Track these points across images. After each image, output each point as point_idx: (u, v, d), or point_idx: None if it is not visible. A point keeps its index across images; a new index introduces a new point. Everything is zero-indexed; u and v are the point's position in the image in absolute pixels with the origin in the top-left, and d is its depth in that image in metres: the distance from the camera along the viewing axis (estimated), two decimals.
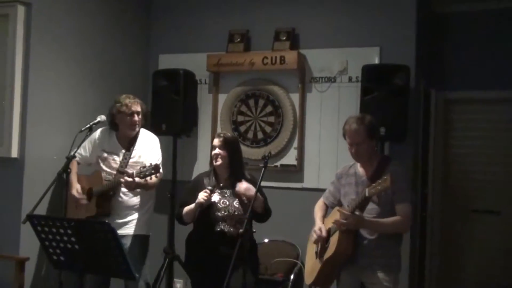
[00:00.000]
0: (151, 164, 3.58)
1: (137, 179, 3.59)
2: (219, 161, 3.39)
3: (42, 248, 2.83)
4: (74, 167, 3.90)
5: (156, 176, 3.66)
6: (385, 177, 2.88)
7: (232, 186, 3.40)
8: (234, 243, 3.07)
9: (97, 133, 3.96)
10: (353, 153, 3.22)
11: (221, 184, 3.44)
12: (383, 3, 4.48)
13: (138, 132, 3.91)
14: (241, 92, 4.86)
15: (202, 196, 3.29)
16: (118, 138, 3.88)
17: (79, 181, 3.86)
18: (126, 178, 3.60)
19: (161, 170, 3.85)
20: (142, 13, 5.19)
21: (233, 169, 3.43)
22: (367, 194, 2.99)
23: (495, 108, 4.89)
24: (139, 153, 3.84)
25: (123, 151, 3.84)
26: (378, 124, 3.30)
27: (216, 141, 3.43)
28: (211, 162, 3.52)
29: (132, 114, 3.78)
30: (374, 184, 2.95)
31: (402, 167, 3.27)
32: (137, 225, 3.81)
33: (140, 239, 3.83)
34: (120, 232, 3.60)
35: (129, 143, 3.86)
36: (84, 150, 3.93)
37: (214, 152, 3.41)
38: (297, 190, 4.64)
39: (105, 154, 3.87)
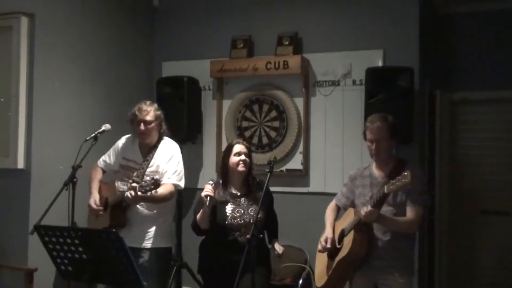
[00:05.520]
0: (152, 178, 3.46)
1: (139, 193, 3.45)
2: (245, 168, 3.35)
3: (50, 259, 2.83)
4: (98, 174, 3.84)
5: (156, 192, 3.47)
6: (405, 173, 2.84)
7: (246, 193, 3.36)
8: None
9: (121, 140, 3.88)
10: (373, 149, 3.18)
11: (236, 192, 3.38)
12: (385, 5, 4.47)
13: (159, 141, 3.78)
14: (245, 97, 4.86)
15: (205, 190, 3.20)
16: (139, 146, 3.77)
17: (100, 189, 3.77)
18: (128, 192, 3.46)
19: (179, 182, 3.72)
20: (145, 21, 5.21)
21: (249, 176, 3.40)
22: (386, 191, 2.95)
23: (501, 108, 4.87)
24: (157, 163, 3.69)
25: (142, 159, 3.72)
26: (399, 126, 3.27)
27: (243, 148, 3.37)
28: (222, 171, 3.44)
29: (139, 122, 3.66)
30: (393, 181, 2.91)
31: (419, 169, 3.25)
32: (155, 238, 3.66)
33: (159, 252, 3.67)
34: (138, 245, 3.54)
35: (149, 152, 3.73)
36: (108, 158, 3.86)
37: (241, 158, 3.34)
38: (304, 195, 4.64)
39: (125, 162, 3.77)
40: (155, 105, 3.76)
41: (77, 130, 4.22)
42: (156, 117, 3.71)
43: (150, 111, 3.69)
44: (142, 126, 3.66)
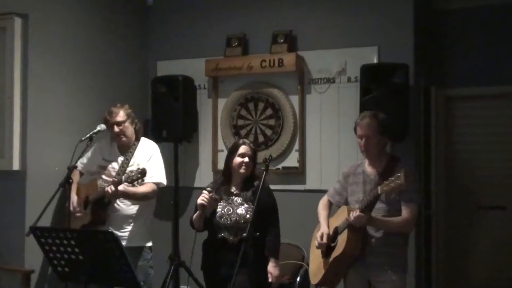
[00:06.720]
0: (138, 168, 3.55)
1: (122, 187, 3.52)
2: (246, 171, 3.34)
3: (46, 260, 2.83)
4: (75, 176, 3.89)
5: (143, 180, 3.58)
6: (398, 174, 2.85)
7: (242, 192, 3.35)
8: (236, 251, 3.06)
9: (99, 142, 3.97)
10: (362, 145, 3.20)
11: (233, 191, 3.38)
12: (380, 2, 4.47)
13: (138, 141, 3.89)
14: (240, 96, 4.86)
15: (201, 197, 3.23)
16: (118, 147, 3.88)
17: (78, 191, 3.85)
18: (109, 187, 3.51)
19: (161, 180, 3.82)
20: (139, 20, 5.19)
21: (250, 176, 3.38)
22: (379, 192, 2.97)
23: (496, 104, 4.86)
24: (137, 161, 3.80)
25: (122, 158, 3.83)
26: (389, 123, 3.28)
27: (248, 150, 3.35)
28: (224, 169, 3.43)
29: (112, 125, 3.79)
30: (386, 182, 2.92)
31: (411, 167, 3.25)
32: (132, 237, 3.74)
33: (136, 251, 3.73)
34: None
35: (128, 151, 3.85)
36: (86, 159, 3.95)
37: (244, 160, 3.32)
38: (300, 192, 4.64)
39: (105, 163, 3.87)
40: (125, 106, 3.88)
41: (72, 130, 4.21)
42: (127, 116, 3.84)
43: (119, 112, 3.82)
44: (116, 128, 3.80)
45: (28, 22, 4.00)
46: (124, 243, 3.68)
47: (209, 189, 3.29)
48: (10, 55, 3.97)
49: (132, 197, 3.68)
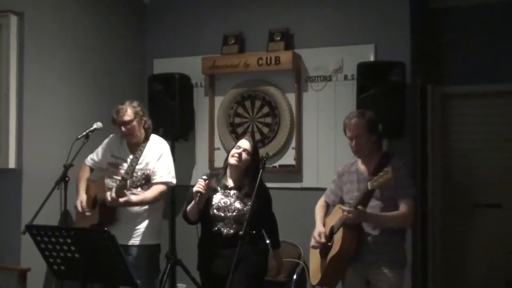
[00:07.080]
0: (143, 173, 3.50)
1: (124, 199, 3.47)
2: (239, 163, 3.32)
3: (42, 258, 2.82)
4: (85, 173, 3.86)
5: (147, 185, 3.53)
6: (386, 169, 2.87)
7: (239, 188, 3.34)
8: (230, 244, 3.07)
9: (109, 138, 3.90)
10: (352, 146, 3.21)
11: (228, 185, 3.37)
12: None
13: (146, 138, 3.80)
14: (237, 94, 4.86)
15: (197, 185, 3.21)
16: (128, 144, 3.79)
17: (87, 188, 3.79)
18: (108, 194, 3.45)
19: (171, 179, 3.75)
20: (135, 18, 5.19)
21: (247, 174, 3.35)
22: (369, 187, 2.98)
23: (492, 102, 4.87)
24: (146, 160, 3.71)
25: (131, 156, 3.74)
26: (378, 121, 3.28)
27: (245, 144, 3.35)
28: (224, 162, 3.45)
29: (119, 125, 3.68)
30: (375, 177, 2.94)
31: (404, 161, 3.26)
32: (144, 235, 3.67)
33: (148, 249, 3.69)
34: (126, 242, 3.54)
35: (137, 149, 3.75)
36: (96, 156, 3.90)
37: (237, 151, 3.32)
38: (297, 190, 4.64)
39: (114, 159, 3.79)
40: (134, 103, 3.74)
41: (68, 128, 4.20)
42: (135, 114, 3.70)
43: (126, 110, 3.67)
44: (123, 128, 3.68)
45: (24, 20, 3.98)
46: (138, 240, 3.64)
47: (205, 177, 3.27)
48: (5, 53, 3.95)
49: (139, 205, 3.62)
